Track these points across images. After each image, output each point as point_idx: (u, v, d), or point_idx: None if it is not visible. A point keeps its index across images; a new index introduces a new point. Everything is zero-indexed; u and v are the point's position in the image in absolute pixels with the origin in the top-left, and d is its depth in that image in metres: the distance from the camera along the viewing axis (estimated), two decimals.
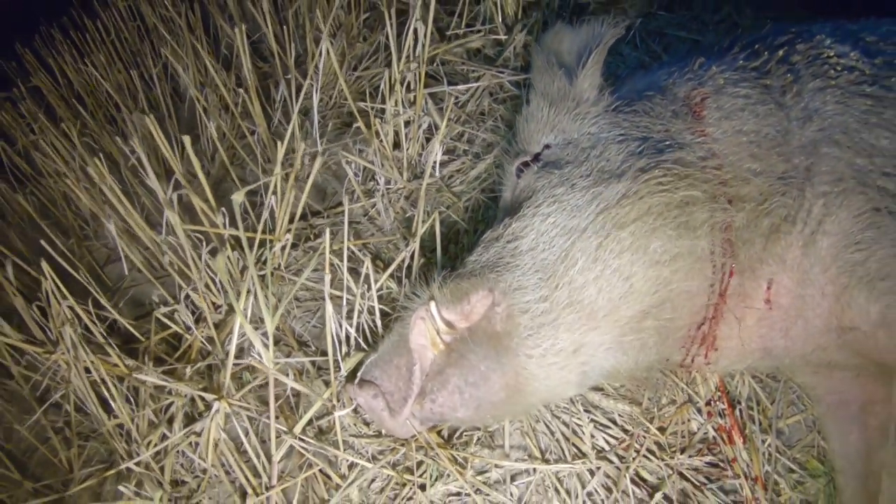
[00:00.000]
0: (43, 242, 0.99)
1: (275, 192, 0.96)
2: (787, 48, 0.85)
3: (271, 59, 1.64)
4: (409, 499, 0.80)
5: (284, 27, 1.40)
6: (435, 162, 1.10)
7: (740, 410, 0.93)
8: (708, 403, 0.92)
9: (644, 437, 0.85)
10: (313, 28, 1.51)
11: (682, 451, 0.88)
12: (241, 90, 1.32)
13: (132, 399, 0.95)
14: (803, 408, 0.98)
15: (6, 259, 1.02)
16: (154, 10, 1.71)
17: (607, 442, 0.85)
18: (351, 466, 0.83)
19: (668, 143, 0.77)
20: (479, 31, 1.47)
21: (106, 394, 0.91)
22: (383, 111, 1.19)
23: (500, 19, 1.48)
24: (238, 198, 0.83)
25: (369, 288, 0.90)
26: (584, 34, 0.96)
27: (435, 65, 1.36)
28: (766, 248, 0.76)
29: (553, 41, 1.01)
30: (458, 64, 1.37)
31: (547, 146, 0.88)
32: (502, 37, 1.44)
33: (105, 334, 0.92)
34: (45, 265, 0.89)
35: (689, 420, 0.90)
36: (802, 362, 0.89)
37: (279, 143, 0.90)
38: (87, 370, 0.91)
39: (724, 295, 0.78)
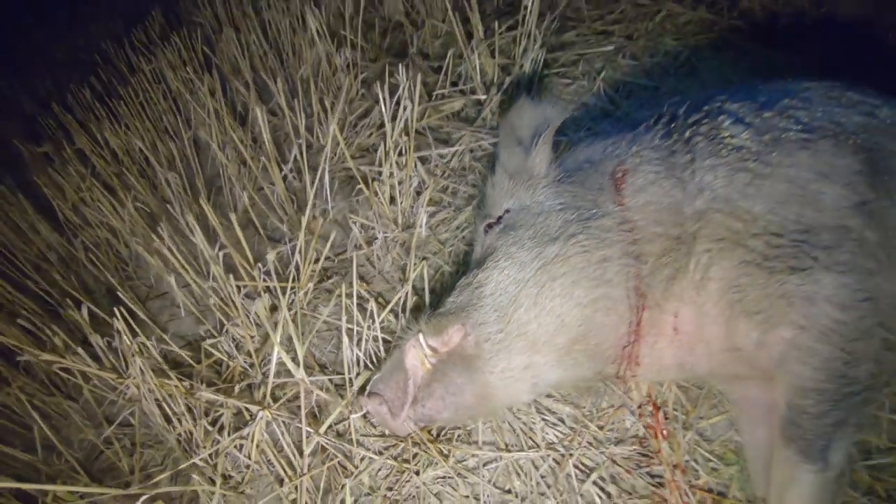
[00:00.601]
0: (119, 292, 1.35)
1: (300, 252, 1.32)
2: (693, 129, 1.19)
3: (280, 114, 2.01)
4: (407, 482, 1.15)
5: (294, 96, 1.77)
6: (422, 218, 1.46)
7: (665, 412, 1.27)
8: (639, 406, 1.26)
9: (585, 432, 1.20)
10: (318, 91, 1.87)
11: (617, 443, 1.22)
12: (260, 156, 1.68)
13: (189, 413, 1.30)
14: (724, 410, 1.33)
15: (82, 304, 1.38)
16: (176, 74, 2.09)
17: (556, 436, 1.19)
18: (362, 459, 1.18)
19: (594, 211, 1.12)
20: (461, 92, 1.84)
21: (168, 410, 1.27)
22: (380, 172, 1.55)
23: (479, 79, 1.85)
24: (271, 257, 1.20)
25: (373, 322, 1.25)
26: (539, 113, 1.30)
27: (423, 127, 1.72)
28: (668, 290, 1.10)
29: (515, 117, 1.35)
30: (442, 127, 1.74)
31: (507, 210, 1.22)
32: (481, 97, 1.81)
33: (165, 363, 1.28)
34: (118, 310, 1.25)
35: (623, 420, 1.25)
36: (711, 374, 1.23)
37: (302, 216, 1.26)
38: (150, 391, 1.27)
39: (640, 325, 1.12)
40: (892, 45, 2.52)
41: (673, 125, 1.22)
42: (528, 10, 1.79)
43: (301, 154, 1.62)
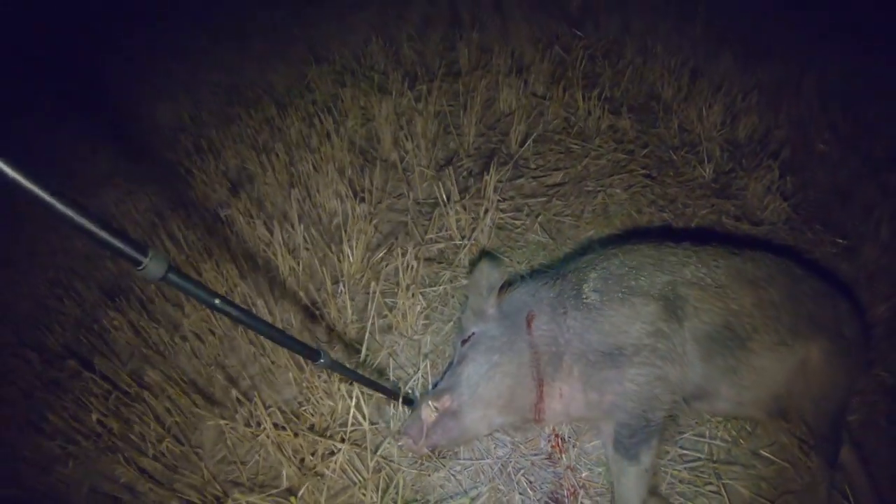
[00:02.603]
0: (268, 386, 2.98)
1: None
2: (568, 293, 2.82)
3: (309, 250, 3.68)
4: (426, 478, 2.78)
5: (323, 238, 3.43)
6: (427, 338, 3.12)
7: (563, 438, 2.92)
8: (548, 437, 2.92)
9: (518, 450, 2.85)
10: (347, 237, 3.53)
11: (536, 455, 2.87)
12: (308, 283, 3.35)
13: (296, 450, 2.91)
14: (596, 437, 2.98)
15: (231, 389, 2.99)
16: (242, 217, 3.75)
17: (503, 452, 2.84)
18: (398, 469, 2.80)
19: (516, 338, 2.73)
20: (443, 238, 3.53)
21: (286, 451, 2.88)
22: (395, 303, 3.21)
23: (455, 228, 3.54)
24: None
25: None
26: (491, 274, 2.94)
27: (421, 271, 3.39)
28: (553, 376, 2.74)
29: (478, 275, 2.98)
30: (432, 271, 3.41)
31: (473, 333, 2.86)
32: (458, 241, 3.49)
33: (284, 422, 2.91)
34: (258, 398, 2.87)
35: (539, 442, 2.90)
36: (582, 418, 2.88)
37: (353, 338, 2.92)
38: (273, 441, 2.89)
39: (542, 394, 2.77)
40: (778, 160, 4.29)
41: (560, 289, 2.89)
42: (488, 185, 3.49)
43: (346, 288, 3.27)
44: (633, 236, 3.04)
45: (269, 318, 3.30)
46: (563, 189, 3.87)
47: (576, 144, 4.16)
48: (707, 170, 4.22)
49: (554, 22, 5.44)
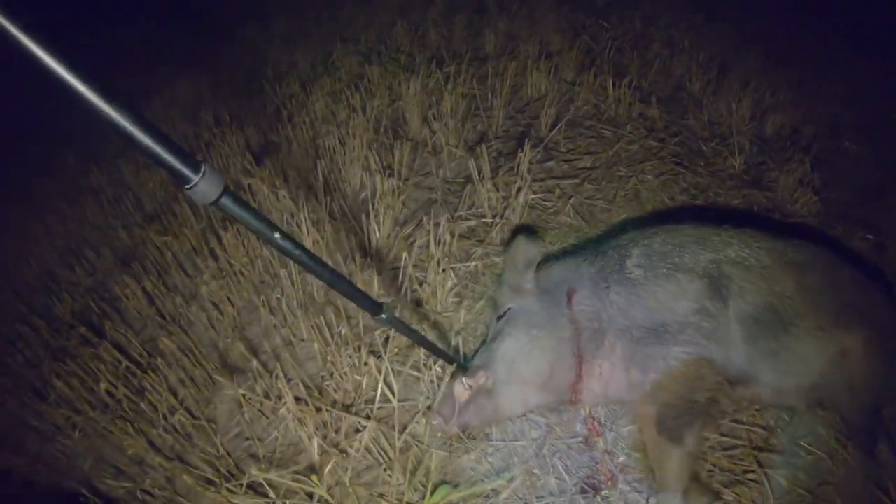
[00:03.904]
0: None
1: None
2: (610, 267, 2.64)
3: (345, 218, 3.47)
4: (454, 462, 2.57)
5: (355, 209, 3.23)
6: (461, 314, 2.91)
7: (599, 421, 2.72)
8: (584, 419, 2.71)
9: (553, 432, 2.64)
10: (374, 211, 3.33)
11: (571, 438, 2.66)
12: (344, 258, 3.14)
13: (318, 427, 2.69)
14: (633, 420, 2.78)
15: (251, 361, 2.77)
16: (266, 188, 3.54)
17: (537, 434, 2.63)
18: (427, 450, 2.59)
19: (556, 313, 2.55)
20: (474, 216, 3.33)
21: (308, 427, 2.67)
22: (426, 276, 3.01)
23: (487, 206, 3.34)
24: (379, 334, 2.65)
25: (431, 371, 2.69)
26: (528, 249, 2.74)
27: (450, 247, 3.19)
28: (594, 354, 2.55)
29: (513, 251, 2.79)
30: (463, 246, 3.21)
31: (509, 308, 2.66)
32: (489, 220, 3.29)
33: (306, 396, 2.69)
34: (279, 369, 2.65)
35: (575, 425, 2.69)
36: (621, 399, 2.68)
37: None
38: (294, 415, 2.67)
39: (581, 372, 2.57)
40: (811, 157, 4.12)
41: (601, 265, 2.69)
42: (522, 160, 3.29)
43: (373, 261, 3.06)
44: (668, 221, 2.85)
45: (292, 289, 3.09)
46: (595, 173, 3.68)
47: (607, 130, 3.97)
48: (738, 161, 4.04)
49: (580, 13, 5.28)
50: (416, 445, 2.59)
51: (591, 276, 2.64)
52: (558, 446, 2.62)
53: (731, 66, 5.00)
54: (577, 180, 3.58)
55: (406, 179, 3.60)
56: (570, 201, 3.44)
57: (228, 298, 3.09)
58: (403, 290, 2.91)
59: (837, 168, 4.36)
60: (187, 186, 1.11)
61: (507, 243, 2.93)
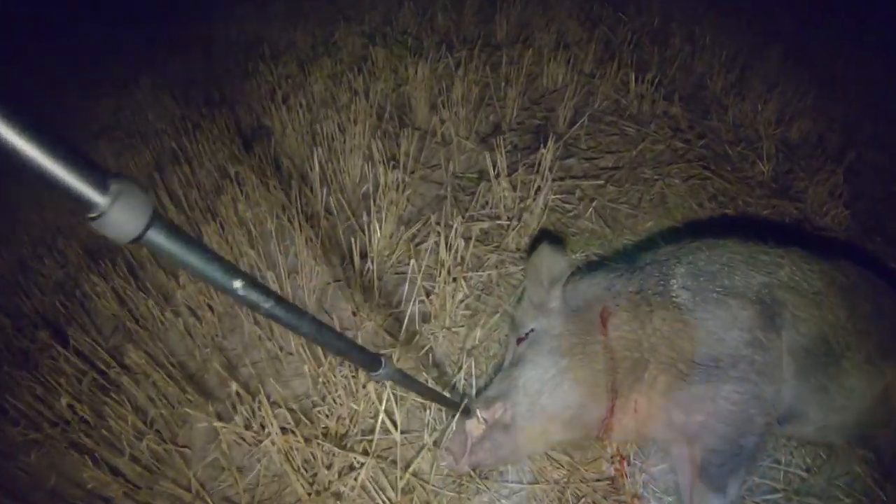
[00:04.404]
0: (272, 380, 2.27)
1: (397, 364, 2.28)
2: (652, 289, 2.18)
3: (335, 215, 2.98)
4: (468, 502, 2.11)
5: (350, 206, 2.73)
6: (476, 332, 2.44)
7: (629, 461, 2.26)
8: (612, 457, 2.26)
9: (577, 473, 2.18)
10: (376, 207, 2.84)
11: (597, 481, 2.21)
12: (330, 254, 2.64)
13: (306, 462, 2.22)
14: (667, 460, 2.33)
15: (231, 382, 2.29)
16: (255, 177, 3.03)
17: (558, 475, 2.17)
18: (433, 491, 2.12)
19: (588, 338, 2.09)
20: (488, 217, 2.85)
21: (291, 459, 2.19)
22: (434, 286, 2.53)
23: (503, 206, 2.86)
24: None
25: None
26: (555, 262, 2.27)
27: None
28: (631, 388, 2.09)
29: (538, 261, 2.31)
30: (476, 252, 2.73)
31: (532, 330, 2.20)
32: (504, 223, 2.82)
33: (293, 425, 2.21)
34: (262, 393, 2.17)
35: (601, 465, 2.23)
36: (656, 438, 2.23)
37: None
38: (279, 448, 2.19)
39: (613, 408, 2.11)
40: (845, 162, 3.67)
41: (640, 282, 2.23)
42: (544, 157, 2.81)
43: (373, 265, 2.58)
44: (702, 232, 2.40)
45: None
46: (618, 174, 3.22)
47: (629, 128, 3.50)
48: (766, 168, 3.59)
49: (596, 2, 4.78)
50: (421, 486, 2.13)
51: (629, 297, 2.18)
52: (583, 490, 2.17)
53: (753, 65, 4.54)
54: (599, 181, 3.12)
55: (412, 172, 3.11)
56: (593, 204, 2.97)
57: (208, 305, 2.59)
58: (407, 301, 2.43)
59: (866, 179, 3.93)
60: (90, 216, 0.69)
61: (528, 252, 2.46)
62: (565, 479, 2.18)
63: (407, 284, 2.41)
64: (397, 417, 2.06)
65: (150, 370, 2.39)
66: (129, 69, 4.96)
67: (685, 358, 2.05)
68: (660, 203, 3.12)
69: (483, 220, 2.81)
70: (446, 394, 2.12)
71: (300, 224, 2.81)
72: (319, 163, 3.03)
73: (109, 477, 2.19)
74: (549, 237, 2.59)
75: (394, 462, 2.10)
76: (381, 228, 2.75)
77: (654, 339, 2.09)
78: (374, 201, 2.78)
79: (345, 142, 3.15)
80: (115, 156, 3.92)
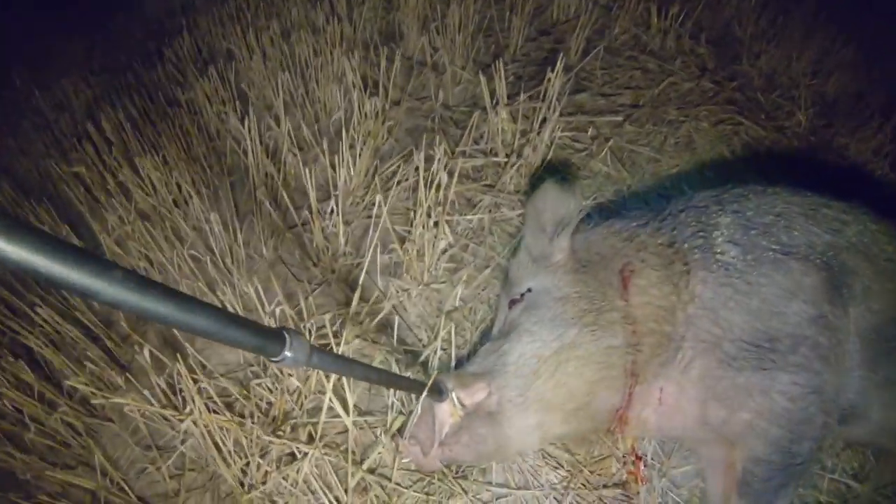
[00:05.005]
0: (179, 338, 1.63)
1: (353, 323, 1.63)
2: (690, 242, 1.52)
3: (310, 152, 2.31)
4: None
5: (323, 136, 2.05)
6: (458, 290, 1.78)
7: (645, 461, 1.63)
8: (624, 456, 1.63)
9: (580, 476, 1.55)
10: (349, 138, 2.16)
11: (605, 486, 1.58)
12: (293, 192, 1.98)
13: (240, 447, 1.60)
14: (692, 461, 1.69)
15: (144, 346, 1.66)
16: (212, 106, 2.35)
17: (556, 478, 1.54)
18: (394, 491, 1.50)
19: (604, 304, 1.44)
20: (483, 152, 2.17)
21: (221, 444, 1.57)
22: (409, 231, 1.87)
23: (500, 141, 2.18)
24: (326, 318, 1.51)
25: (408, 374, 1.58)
26: (562, 203, 1.61)
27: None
28: (657, 372, 1.45)
29: (540, 202, 1.64)
30: (465, 189, 2.06)
31: (529, 289, 1.55)
32: (502, 159, 2.14)
33: (221, 403, 1.58)
34: (179, 358, 1.53)
35: (610, 467, 1.60)
36: (684, 437, 1.59)
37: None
38: (206, 427, 1.57)
39: (631, 397, 1.47)
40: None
41: (674, 232, 1.56)
42: (552, 82, 2.12)
43: (337, 207, 1.92)
44: (735, 181, 1.73)
45: (225, 243, 1.94)
46: (638, 113, 2.52)
47: (651, 63, 2.78)
48: (804, 118, 2.87)
49: None
50: (380, 485, 1.51)
51: (658, 251, 1.53)
52: (586, 498, 1.54)
53: (787, 11, 3.76)
54: (616, 117, 2.41)
55: (397, 103, 2.42)
56: (609, 144, 2.28)
57: (144, 253, 1.95)
58: (375, 249, 1.78)
59: None
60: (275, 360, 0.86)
61: (529, 192, 1.80)
62: (564, 484, 1.55)
63: (373, 228, 1.75)
64: (349, 397, 1.42)
65: (64, 329, 1.77)
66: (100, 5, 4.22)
67: (733, 335, 1.42)
68: (686, 147, 2.43)
69: (476, 157, 2.13)
70: (410, 374, 1.49)
71: (259, 158, 2.15)
72: (287, 89, 2.35)
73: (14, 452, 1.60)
74: (555, 177, 1.92)
75: (345, 451, 1.48)
76: (354, 165, 2.08)
77: (691, 309, 1.45)
78: (347, 130, 2.11)
79: (320, 68, 2.46)
80: (75, 92, 3.23)
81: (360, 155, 2.10)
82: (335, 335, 1.57)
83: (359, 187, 2.11)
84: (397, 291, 1.79)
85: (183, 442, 1.67)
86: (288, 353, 0.88)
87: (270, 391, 1.66)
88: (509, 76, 2.49)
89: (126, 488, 1.67)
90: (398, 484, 1.52)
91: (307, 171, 1.89)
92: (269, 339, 0.85)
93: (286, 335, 0.88)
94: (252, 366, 1.71)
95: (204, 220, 2.03)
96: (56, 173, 2.47)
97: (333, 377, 1.46)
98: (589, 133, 2.33)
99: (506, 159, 2.11)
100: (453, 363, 1.61)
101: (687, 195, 1.70)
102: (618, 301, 1.47)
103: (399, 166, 2.13)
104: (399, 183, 2.04)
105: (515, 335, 1.47)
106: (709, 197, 1.64)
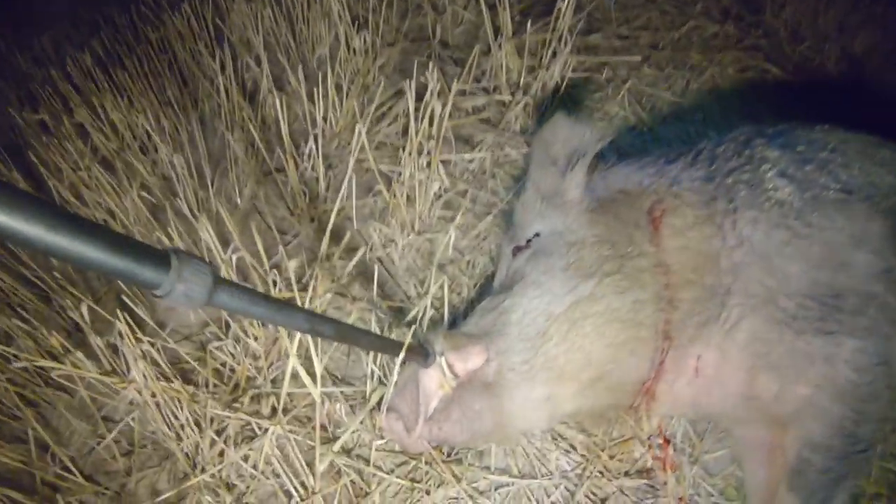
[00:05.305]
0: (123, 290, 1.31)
1: (320, 268, 1.29)
2: (735, 176, 1.18)
3: (290, 94, 1.96)
4: (417, 501, 1.17)
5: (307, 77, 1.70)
6: (451, 235, 1.44)
7: (674, 445, 1.31)
8: (649, 438, 1.29)
9: (597, 462, 1.23)
10: (335, 76, 1.81)
11: (626, 474, 1.25)
12: (269, 136, 1.64)
13: (192, 421, 1.28)
14: (727, 445, 1.36)
15: (82, 302, 1.34)
16: (184, 45, 2.00)
17: (568, 464, 1.21)
18: (374, 476, 1.18)
19: (630, 249, 1.11)
20: (485, 90, 1.81)
21: (171, 417, 1.25)
22: (400, 173, 1.52)
23: (505, 78, 1.82)
24: (292, 265, 1.18)
25: (391, 334, 1.25)
26: (576, 134, 1.28)
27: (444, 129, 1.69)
28: (695, 335, 1.11)
29: (549, 133, 1.32)
30: (463, 127, 1.71)
31: (537, 234, 1.21)
32: (506, 98, 1.78)
33: (169, 367, 1.25)
34: (120, 315, 1.21)
35: (632, 451, 1.27)
36: (722, 414, 1.26)
37: (313, 210, 1.23)
38: (153, 396, 1.24)
39: (662, 365, 1.14)
40: None
41: (713, 166, 1.21)
42: (563, 13, 1.75)
43: (317, 146, 1.58)
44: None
45: (190, 188, 1.61)
46: (658, 56, 2.16)
47: (671, 6, 2.39)
48: (835, 70, 2.49)
49: None
50: (355, 469, 1.18)
51: (696, 187, 1.18)
52: (604, 488, 1.21)
53: None
54: (634, 57, 2.04)
55: (391, 45, 2.05)
56: (626, 86, 1.92)
57: (98, 201, 1.61)
58: (362, 195, 1.44)
59: None
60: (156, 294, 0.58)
61: (537, 128, 1.45)
62: (578, 471, 1.22)
63: (352, 162, 1.40)
64: (316, 363, 1.09)
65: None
66: None
67: (790, 289, 1.07)
68: (711, 93, 2.07)
69: (477, 94, 1.78)
70: (394, 336, 1.16)
71: (234, 100, 1.80)
72: (270, 29, 1.99)
73: None
74: (566, 111, 1.57)
75: (313, 429, 1.15)
76: (341, 105, 1.74)
77: (738, 255, 1.11)
78: (332, 68, 1.75)
79: (307, 5, 2.10)
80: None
81: (346, 95, 1.76)
82: (303, 287, 1.24)
83: (345, 129, 1.76)
84: (382, 239, 1.45)
85: (130, 415, 1.35)
86: (175, 285, 0.56)
87: (232, 356, 1.34)
88: (515, 14, 2.11)
89: (72, 467, 1.35)
90: (378, 468, 1.20)
91: (284, 110, 1.54)
92: (145, 260, 0.54)
93: (173, 258, 0.56)
94: (209, 325, 1.38)
95: (170, 166, 1.69)
96: (23, 123, 2.13)
97: (297, 341, 1.13)
98: (604, 75, 1.96)
99: (510, 97, 1.75)
100: (446, 324, 1.27)
101: (721, 132, 1.34)
102: (647, 246, 1.13)
103: (390, 107, 1.77)
104: (389, 124, 1.70)
105: (520, 288, 1.14)
106: (750, 130, 1.29)
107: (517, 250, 1.21)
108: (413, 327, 1.13)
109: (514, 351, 1.09)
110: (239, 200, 1.74)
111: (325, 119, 1.75)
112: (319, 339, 1.17)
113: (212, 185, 1.68)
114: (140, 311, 1.31)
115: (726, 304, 1.11)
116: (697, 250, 1.13)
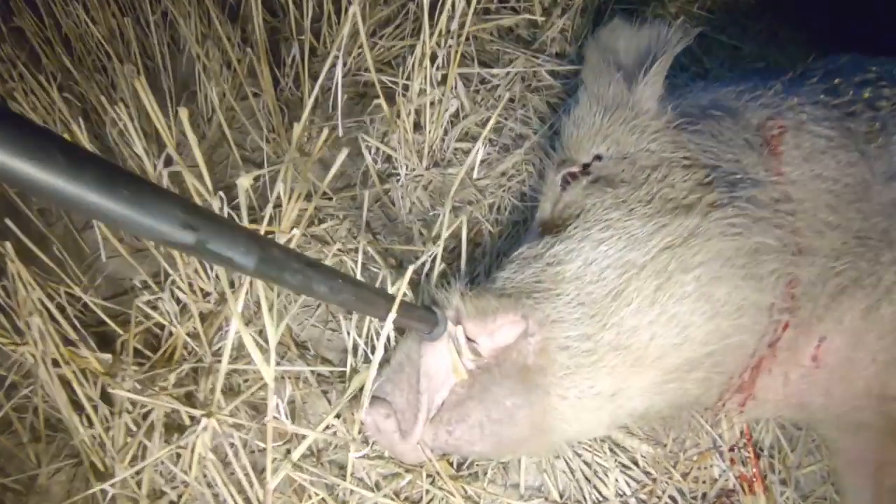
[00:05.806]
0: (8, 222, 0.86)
1: (283, 180, 0.85)
2: (872, 89, 0.76)
3: (282, 15, 1.50)
4: None
5: None
6: (475, 156, 0.99)
7: (758, 454, 0.88)
8: (731, 450, 0.87)
9: (667, 483, 0.80)
10: None
11: (703, 497, 0.83)
12: (247, 48, 1.18)
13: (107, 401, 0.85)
14: (819, 458, 0.94)
15: None
16: None
17: (628, 484, 0.79)
18: (351, 493, 0.76)
19: (739, 176, 0.69)
20: (514, 10, 1.36)
21: (80, 395, 0.81)
22: (406, 87, 1.08)
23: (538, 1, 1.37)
24: (245, 183, 0.73)
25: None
26: (646, 36, 0.87)
27: (465, 41, 1.24)
28: (824, 309, 0.69)
29: (609, 38, 0.90)
30: (488, 41, 1.26)
31: (598, 157, 0.78)
32: (538, 18, 1.33)
33: (79, 326, 0.81)
34: (9, 245, 0.77)
35: (711, 466, 0.85)
36: (834, 419, 0.84)
37: (295, 125, 0.79)
38: (57, 363, 0.81)
39: (775, 347, 0.72)
40: None
41: (837, 80, 0.79)
42: None
43: (302, 57, 1.13)
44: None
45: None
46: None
47: None
48: None
49: None
50: (322, 486, 0.74)
51: (824, 104, 0.72)
52: None
53: None
54: None
55: None
56: (678, 22, 1.45)
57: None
58: (356, 112, 0.99)
59: None
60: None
61: (578, 61, 1.00)
62: (643, 496, 0.79)
63: (339, 73, 0.96)
64: (270, 329, 0.65)
65: None
66: None
67: None
68: (769, 40, 1.62)
69: (504, 16, 1.33)
70: (383, 283, 0.72)
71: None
72: None
73: None
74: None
75: (267, 427, 0.71)
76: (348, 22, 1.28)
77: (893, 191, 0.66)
78: None
79: None
80: None
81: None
82: (258, 214, 0.81)
83: (350, 43, 1.31)
84: (379, 173, 1.01)
85: (30, 388, 0.91)
86: None
87: (169, 316, 0.89)
88: None
89: None
90: (360, 480, 0.77)
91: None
92: None
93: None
94: (139, 274, 0.93)
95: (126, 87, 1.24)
96: None
97: (243, 292, 0.69)
98: (650, 10, 1.51)
99: (544, 19, 1.30)
100: (463, 278, 0.83)
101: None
102: (761, 172, 0.70)
103: (402, 19, 1.32)
104: (397, 27, 1.24)
105: (578, 230, 0.70)
106: (863, 56, 0.87)
107: (570, 178, 0.78)
108: (409, 275, 0.68)
109: (570, 321, 0.66)
110: (207, 130, 1.29)
111: (315, 35, 1.30)
112: (276, 287, 0.73)
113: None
114: (45, 255, 0.87)
115: (880, 261, 0.68)
116: (834, 181, 0.70)
